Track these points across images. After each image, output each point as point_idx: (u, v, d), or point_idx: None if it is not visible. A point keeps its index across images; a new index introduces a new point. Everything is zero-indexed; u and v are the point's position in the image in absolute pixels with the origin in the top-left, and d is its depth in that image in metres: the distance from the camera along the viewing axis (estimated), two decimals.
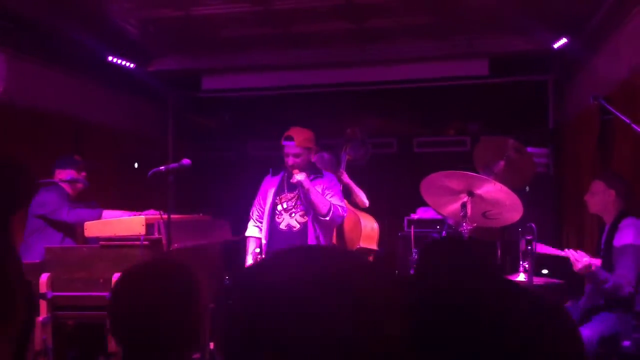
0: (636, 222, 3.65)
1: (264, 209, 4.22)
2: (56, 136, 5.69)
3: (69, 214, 4.27)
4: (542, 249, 3.61)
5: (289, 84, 7.13)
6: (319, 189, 4.10)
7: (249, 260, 4.12)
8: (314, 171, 4.19)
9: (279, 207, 4.14)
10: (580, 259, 3.43)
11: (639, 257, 3.52)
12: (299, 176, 3.97)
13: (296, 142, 4.01)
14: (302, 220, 4.08)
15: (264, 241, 4.15)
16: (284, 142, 4.06)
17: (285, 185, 4.15)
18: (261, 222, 4.24)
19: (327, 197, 4.07)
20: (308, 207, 4.04)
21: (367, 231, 4.76)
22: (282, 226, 4.11)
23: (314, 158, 4.77)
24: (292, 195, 4.12)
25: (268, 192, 4.23)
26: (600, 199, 3.83)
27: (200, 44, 6.32)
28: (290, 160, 4.03)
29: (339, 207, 4.05)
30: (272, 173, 4.29)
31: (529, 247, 3.43)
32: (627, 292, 3.45)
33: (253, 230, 4.27)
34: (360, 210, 4.85)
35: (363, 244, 4.72)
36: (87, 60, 5.95)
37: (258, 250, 4.07)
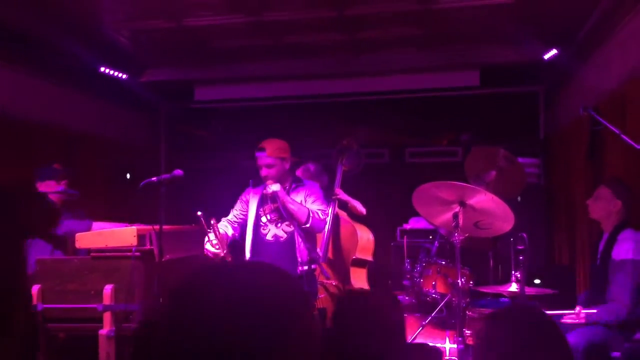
0: (635, 235, 3.64)
1: (245, 213, 4.15)
2: (48, 147, 5.67)
3: (58, 226, 4.22)
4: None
5: (281, 95, 7.15)
6: (301, 196, 4.06)
7: (208, 247, 3.95)
8: (294, 180, 4.17)
9: (264, 219, 4.09)
10: (579, 317, 3.50)
11: (637, 272, 3.53)
12: (274, 187, 3.92)
13: (268, 152, 3.95)
14: (288, 229, 4.05)
15: (248, 254, 4.10)
16: (256, 154, 3.99)
17: (268, 197, 4.09)
18: (233, 221, 4.17)
19: (309, 202, 4.04)
20: (288, 217, 4.01)
21: (364, 242, 4.77)
22: (269, 237, 4.07)
23: (299, 171, 4.75)
24: (275, 206, 4.07)
25: (250, 202, 4.17)
26: (604, 206, 3.80)
27: (193, 54, 6.33)
28: (263, 172, 3.97)
29: (318, 212, 4.01)
30: (252, 185, 4.22)
31: (521, 257, 3.44)
32: (625, 314, 3.47)
33: (223, 224, 4.13)
34: (356, 222, 4.86)
35: (359, 254, 4.73)
36: (79, 71, 5.94)
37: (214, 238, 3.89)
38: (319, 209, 4.05)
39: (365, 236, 4.81)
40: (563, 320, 3.53)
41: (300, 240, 4.00)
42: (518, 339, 1.44)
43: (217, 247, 3.78)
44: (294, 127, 6.47)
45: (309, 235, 4.06)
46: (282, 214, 4.04)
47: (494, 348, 1.50)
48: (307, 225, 3.95)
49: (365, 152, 7.33)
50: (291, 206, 3.94)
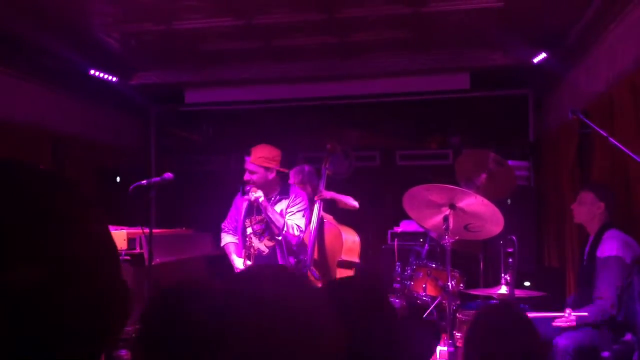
0: (619, 234, 3.70)
1: (240, 223, 4.22)
2: (38, 150, 5.64)
3: None
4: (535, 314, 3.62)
5: (271, 98, 7.15)
6: (282, 206, 4.12)
7: (239, 265, 4.08)
8: (281, 191, 4.19)
9: (249, 230, 4.16)
10: (569, 320, 3.48)
11: (621, 269, 3.56)
12: (256, 194, 3.97)
13: (252, 159, 4.01)
14: (270, 244, 4.12)
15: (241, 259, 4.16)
16: (245, 157, 4.10)
17: (254, 207, 4.14)
18: (235, 227, 4.25)
19: (288, 215, 4.09)
20: (269, 223, 4.07)
21: (349, 244, 4.78)
22: (253, 250, 4.12)
23: (293, 171, 4.77)
24: (260, 218, 4.12)
25: (239, 209, 4.23)
26: (587, 209, 3.86)
27: (183, 57, 6.31)
28: (246, 176, 4.04)
29: (293, 227, 4.08)
30: (242, 192, 4.26)
31: (510, 260, 3.46)
32: (609, 309, 3.49)
33: (228, 237, 4.27)
34: (341, 224, 4.87)
35: (345, 256, 4.73)
36: (69, 74, 5.92)
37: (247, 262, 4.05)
38: (296, 224, 4.10)
39: (350, 238, 4.82)
40: (554, 324, 3.54)
41: (280, 255, 4.07)
42: (494, 338, 1.46)
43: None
44: (284, 130, 6.48)
45: (293, 252, 4.13)
46: (268, 228, 4.13)
47: (476, 348, 1.51)
48: (279, 238, 4.04)
49: (356, 155, 7.36)
50: (270, 214, 4.01)
